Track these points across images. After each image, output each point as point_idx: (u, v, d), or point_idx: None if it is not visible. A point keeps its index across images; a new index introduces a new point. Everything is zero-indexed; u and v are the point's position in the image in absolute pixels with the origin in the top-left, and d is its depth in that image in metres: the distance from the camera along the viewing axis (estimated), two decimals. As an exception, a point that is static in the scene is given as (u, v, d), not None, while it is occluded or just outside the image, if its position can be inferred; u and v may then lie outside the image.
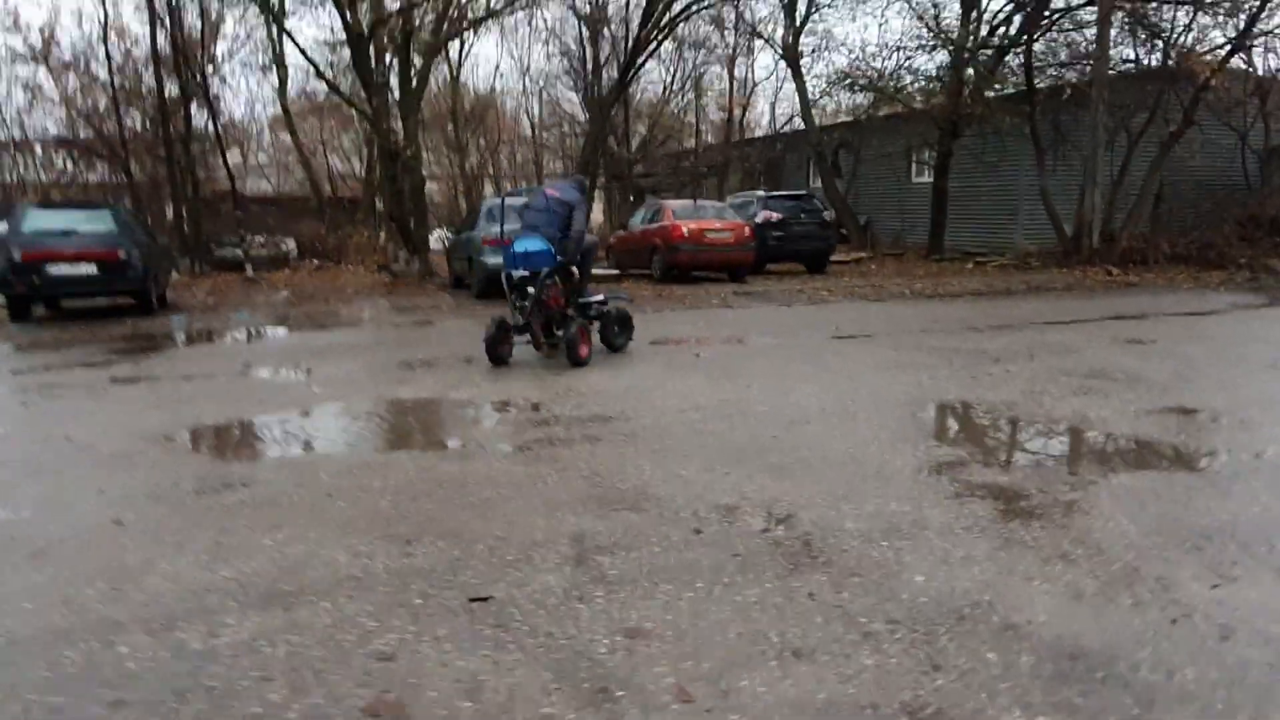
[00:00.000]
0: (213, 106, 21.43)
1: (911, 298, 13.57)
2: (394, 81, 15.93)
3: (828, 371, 7.30)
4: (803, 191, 19.85)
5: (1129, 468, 4.57)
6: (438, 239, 23.14)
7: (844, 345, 8.77)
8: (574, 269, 7.99)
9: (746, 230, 15.73)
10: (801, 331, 9.76)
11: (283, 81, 26.18)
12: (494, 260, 12.83)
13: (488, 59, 75.10)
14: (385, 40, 15.34)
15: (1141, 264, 16.82)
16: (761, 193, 19.03)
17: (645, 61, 19.02)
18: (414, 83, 16.48)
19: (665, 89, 34.07)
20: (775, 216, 17.50)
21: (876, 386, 6.67)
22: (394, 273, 17.13)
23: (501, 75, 67.43)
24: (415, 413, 6.42)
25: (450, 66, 29.01)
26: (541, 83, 38.09)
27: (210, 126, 22.73)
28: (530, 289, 7.71)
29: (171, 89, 21.98)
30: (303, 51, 16.40)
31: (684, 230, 15.33)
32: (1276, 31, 17.70)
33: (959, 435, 5.40)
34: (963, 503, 4.05)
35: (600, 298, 8.49)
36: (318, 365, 8.24)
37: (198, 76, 21.75)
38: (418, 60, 17.47)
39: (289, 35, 16.45)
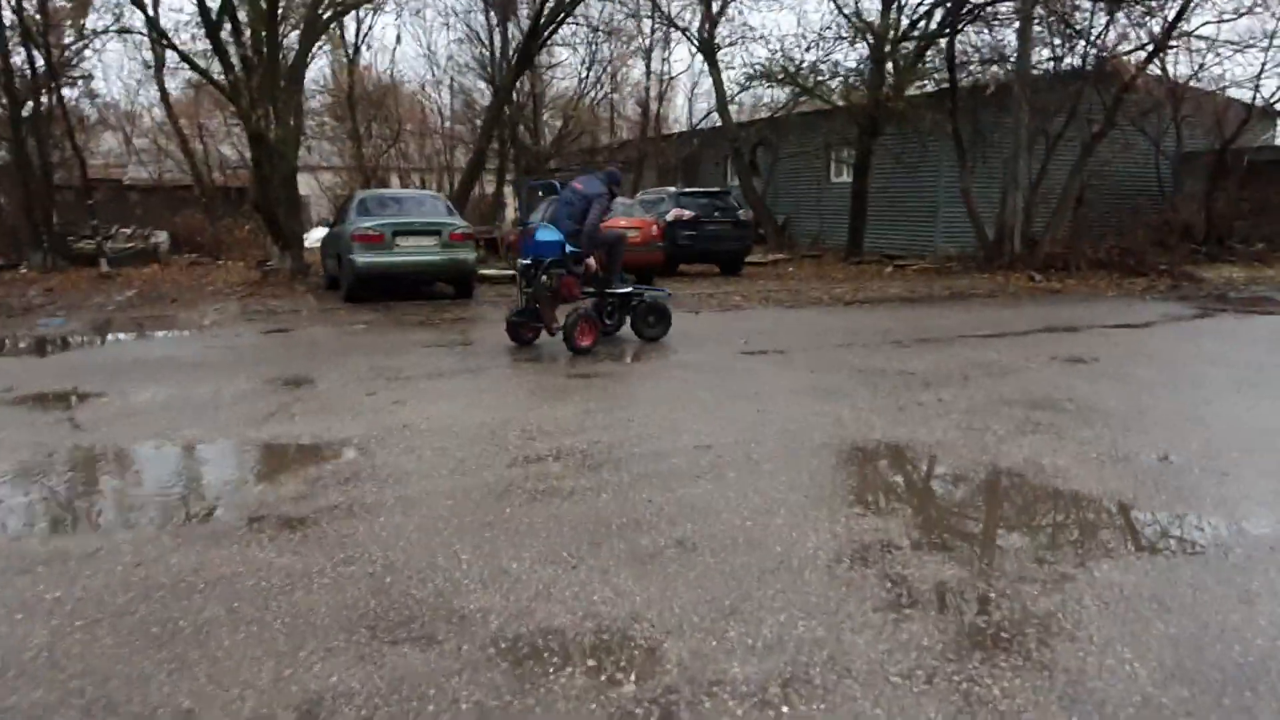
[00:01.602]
0: (55, 81, 18.99)
1: (830, 304, 12.53)
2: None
3: (731, 399, 6.07)
4: (717, 189, 18.72)
5: (1112, 553, 3.43)
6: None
7: (754, 363, 7.58)
8: (591, 260, 8.20)
9: (654, 229, 14.48)
10: (707, 345, 8.54)
11: (159, 58, 23.90)
12: (365, 258, 11.30)
13: (394, 44, 72.29)
14: (250, 12, 13.59)
15: (1063, 269, 16.19)
16: (673, 189, 17.82)
17: (548, 38, 17.59)
18: (286, 60, 14.74)
19: (581, 81, 32.70)
20: (687, 215, 16.30)
21: (788, 421, 5.46)
22: (266, 271, 15.35)
23: (395, 62, 64.70)
24: (183, 464, 4.93)
25: (345, 48, 27.07)
26: (451, 72, 36.24)
27: (67, 105, 20.35)
28: (544, 277, 8.00)
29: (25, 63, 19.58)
30: (147, 15, 14.46)
31: (586, 228, 13.99)
32: (1195, 34, 17.35)
33: (890, 497, 4.21)
34: (899, 621, 2.83)
35: (629, 289, 8.68)
36: (109, 390, 6.63)
37: (53, 51, 19.40)
38: (294, 36, 15.73)
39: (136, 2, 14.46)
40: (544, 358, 7.88)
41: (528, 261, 8.19)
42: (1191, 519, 3.80)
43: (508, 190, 31.59)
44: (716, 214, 16.67)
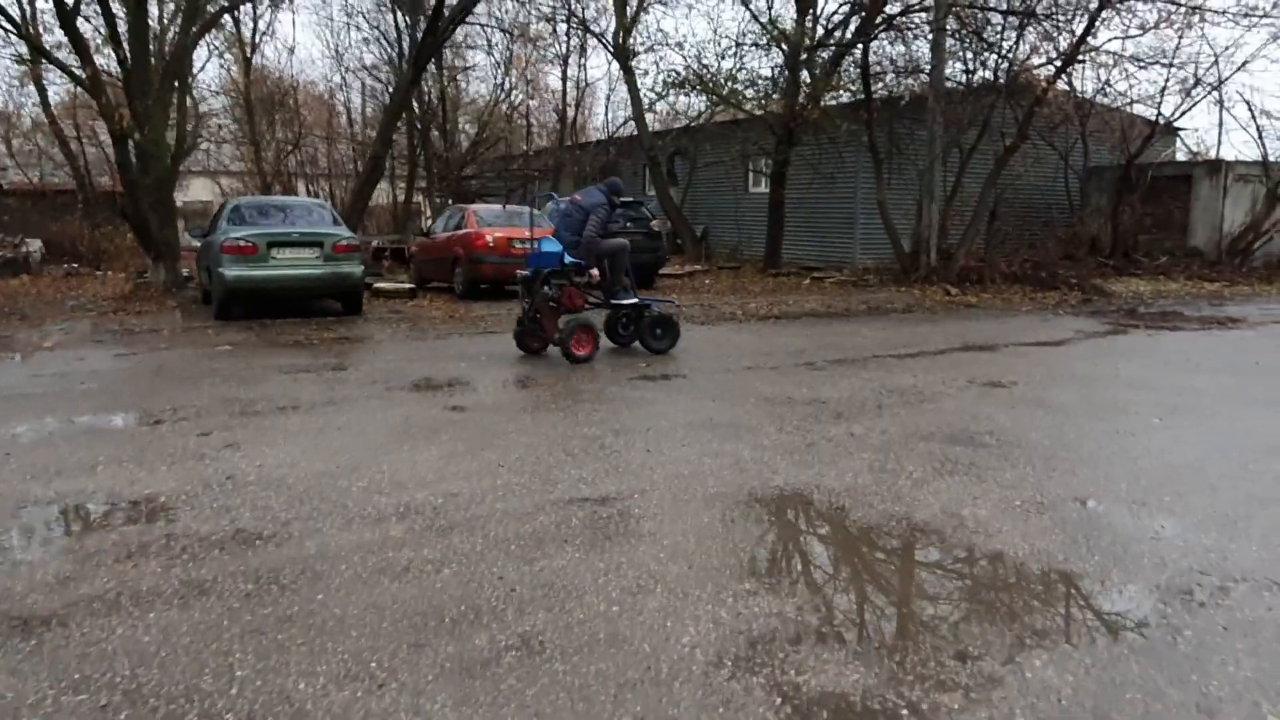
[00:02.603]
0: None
1: (744, 320, 12.00)
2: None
3: (620, 437, 5.39)
4: (629, 198, 18.09)
5: (1045, 641, 2.86)
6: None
7: (653, 391, 6.93)
8: (594, 271, 8.21)
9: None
10: (604, 369, 7.86)
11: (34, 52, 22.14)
12: (236, 272, 10.29)
13: (301, 43, 69.68)
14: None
15: (978, 283, 16.06)
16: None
17: (446, 37, 16.65)
18: (161, 57, 13.55)
19: (497, 87, 31.77)
20: (598, 225, 15.63)
21: (680, 464, 4.80)
22: (139, 284, 14.08)
23: (293, 61, 62.06)
24: (-47, 527, 4.00)
25: (243, 45, 25.55)
26: (360, 74, 34.81)
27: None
28: (544, 288, 8.10)
29: None
30: None
31: (488, 239, 13.18)
32: (1102, 49, 17.49)
33: (787, 567, 3.58)
34: (787, 765, 2.18)
35: (634, 300, 8.58)
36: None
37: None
38: (173, 32, 14.52)
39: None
40: (429, 386, 7.08)
41: (526, 273, 8.33)
42: (1131, 590, 3.26)
43: (422, 198, 30.51)
44: (628, 225, 16.03)
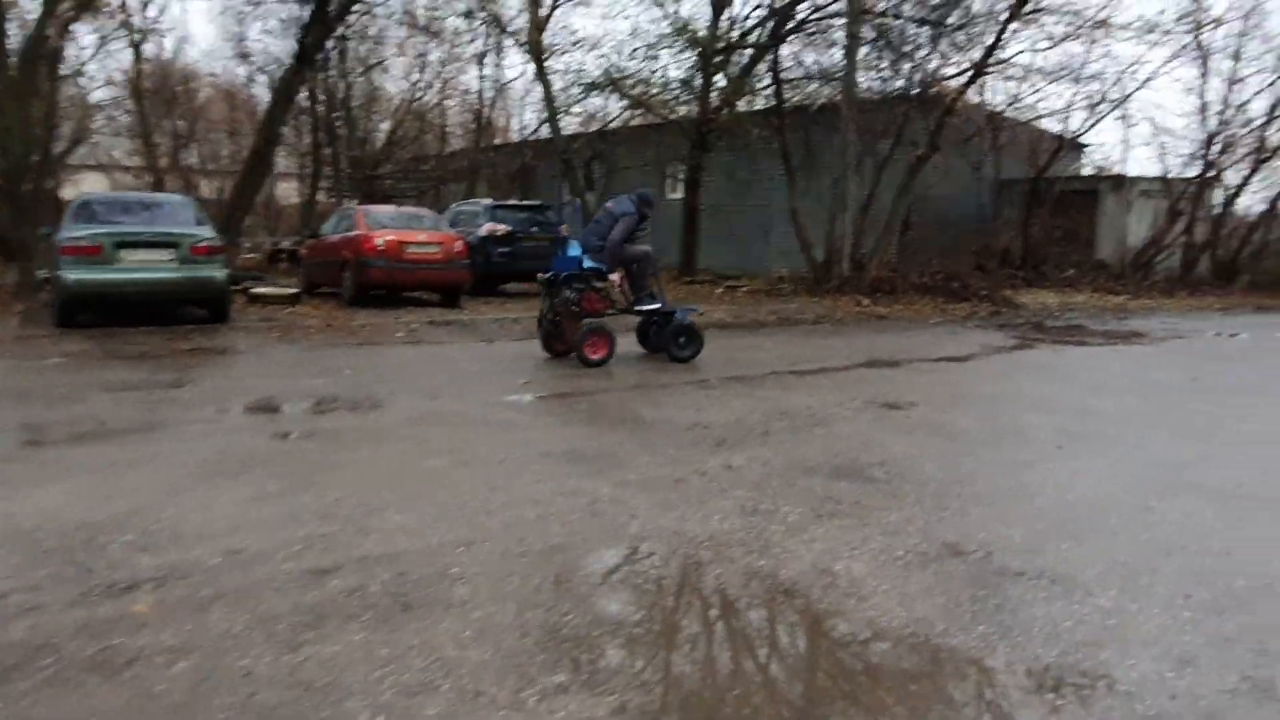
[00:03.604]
0: None
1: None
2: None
3: (466, 469, 4.72)
4: (537, 202, 17.42)
5: (910, 757, 2.30)
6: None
7: (521, 413, 6.28)
8: (615, 276, 8.34)
9: (458, 245, 12.97)
10: (476, 385, 7.18)
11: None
12: (77, 275, 9.27)
13: (203, 34, 66.66)
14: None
15: (890, 293, 15.86)
16: (489, 202, 16.38)
17: (334, 28, 15.74)
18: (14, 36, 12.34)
19: (412, 85, 30.68)
20: (502, 229, 14.90)
21: (526, 506, 4.16)
22: (-10, 285, 12.79)
23: (192, 48, 58.91)
24: None
25: (133, 33, 23.99)
26: (270, 68, 33.30)
27: None
28: (566, 292, 8.24)
29: None
30: None
31: (378, 242, 12.32)
32: (1011, 62, 17.53)
33: (612, 653, 2.96)
34: None
35: (657, 306, 8.60)
36: None
37: None
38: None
39: None
40: (268, 408, 6.29)
41: (547, 276, 8.51)
42: (1017, 675, 2.74)
43: (332, 198, 29.21)
44: (534, 229, 15.36)
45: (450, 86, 31.59)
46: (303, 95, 25.23)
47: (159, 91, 26.16)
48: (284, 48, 26.84)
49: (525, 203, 17.15)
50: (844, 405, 6.65)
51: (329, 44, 20.56)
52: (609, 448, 5.25)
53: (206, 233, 9.94)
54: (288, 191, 37.70)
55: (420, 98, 31.10)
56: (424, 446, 5.18)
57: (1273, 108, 20.46)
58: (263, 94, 31.20)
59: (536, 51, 21.46)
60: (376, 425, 5.76)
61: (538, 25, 21.47)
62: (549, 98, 22.05)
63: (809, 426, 5.90)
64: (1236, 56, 20.83)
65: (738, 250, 21.28)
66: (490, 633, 2.89)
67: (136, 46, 23.54)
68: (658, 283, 8.74)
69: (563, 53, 24.57)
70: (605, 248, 8.23)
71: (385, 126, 30.75)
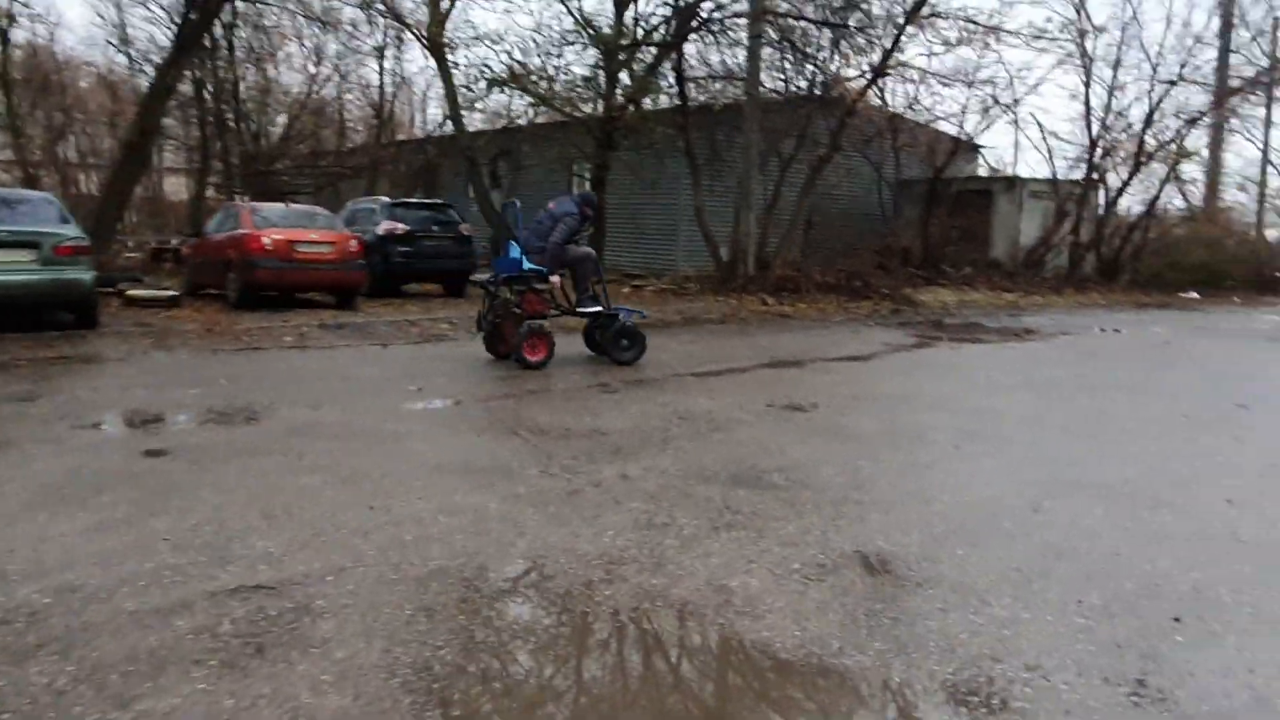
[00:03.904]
0: None
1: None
2: None
3: (346, 485, 4.41)
4: (439, 200, 16.95)
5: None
6: None
7: (411, 423, 5.97)
8: (555, 278, 8.30)
9: (353, 244, 12.45)
10: (365, 393, 6.81)
11: None
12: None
13: (83, 20, 62.98)
14: None
15: (795, 292, 16.00)
16: (387, 200, 15.82)
17: (215, 14, 14.95)
18: None
19: (311, 78, 29.55)
20: (401, 228, 14.40)
21: (407, 525, 3.88)
22: None
23: (68, 34, 55.53)
24: None
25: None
26: (151, 55, 31.55)
27: None
28: (506, 294, 8.30)
29: None
30: None
31: (265, 242, 11.71)
32: (909, 64, 17.95)
33: (491, 687, 2.73)
34: None
35: (598, 309, 8.51)
36: None
37: None
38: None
39: None
40: (130, 423, 5.80)
41: (485, 278, 8.60)
42: (916, 689, 2.63)
43: (222, 194, 27.89)
44: (435, 228, 14.92)
45: (349, 80, 30.64)
46: (190, 87, 24.08)
47: (30, 80, 24.45)
48: (168, 35, 25.46)
49: (425, 200, 16.66)
50: (745, 408, 6.55)
51: (216, 32, 19.57)
52: (501, 459, 5.01)
53: (71, 231, 9.22)
54: (177, 187, 35.92)
55: (318, 91, 30.06)
56: (300, 462, 4.83)
57: (1149, 114, 21.54)
58: (147, 85, 29.59)
59: (436, 46, 20.90)
60: (248, 439, 5.36)
61: (437, 19, 20.91)
62: (450, 94, 21.52)
63: (709, 432, 5.78)
64: (1116, 65, 21.87)
65: (645, 249, 21.20)
66: (353, 675, 2.63)
67: (3, 32, 21.91)
68: (601, 285, 8.67)
69: (465, 47, 24.05)
70: (545, 249, 8.15)
71: (282, 120, 29.60)
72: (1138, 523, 4.21)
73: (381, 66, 29.26)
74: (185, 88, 25.66)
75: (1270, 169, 26.49)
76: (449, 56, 21.05)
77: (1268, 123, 25.40)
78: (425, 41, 21.79)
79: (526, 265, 8.14)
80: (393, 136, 29.82)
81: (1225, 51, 23.04)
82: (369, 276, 13.76)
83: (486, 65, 17.75)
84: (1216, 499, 4.63)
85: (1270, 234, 27.88)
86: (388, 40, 28.45)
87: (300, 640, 2.84)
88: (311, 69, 28.95)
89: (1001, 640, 2.97)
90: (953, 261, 22.08)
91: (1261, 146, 26.13)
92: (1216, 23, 22.64)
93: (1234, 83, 22.47)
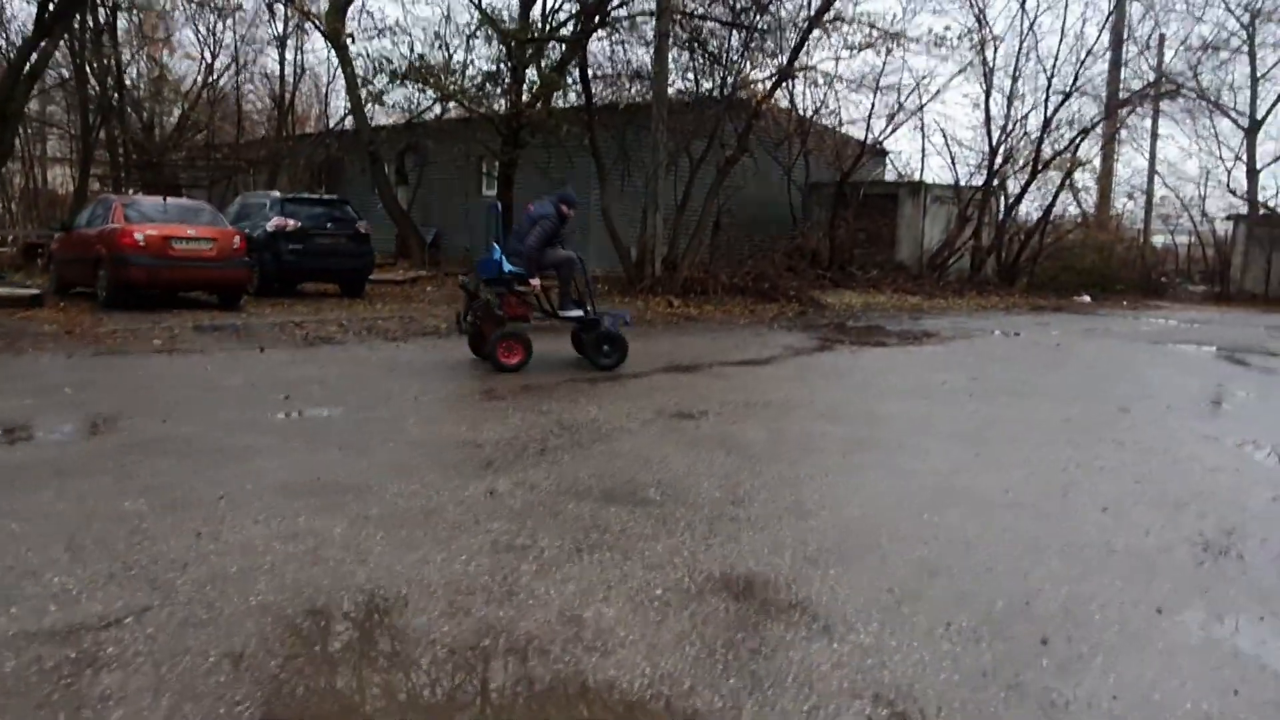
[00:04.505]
0: None
1: (443, 335, 10.78)
2: None
3: (175, 510, 3.99)
4: (334, 196, 16.27)
5: None
6: None
7: (269, 436, 5.54)
8: (535, 282, 8.20)
9: (236, 241, 11.77)
10: (227, 402, 6.33)
11: None
12: None
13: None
14: None
15: (702, 294, 15.90)
16: (277, 194, 15.08)
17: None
18: None
19: (207, 68, 28.16)
20: (292, 224, 13.72)
21: (235, 555, 3.51)
22: None
23: None
24: None
25: None
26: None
27: None
28: (486, 296, 8.18)
29: None
30: None
31: (137, 237, 10.96)
32: (815, 68, 18.07)
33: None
34: None
35: (579, 313, 8.42)
36: None
37: None
38: None
39: None
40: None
41: (464, 279, 8.61)
42: (762, 740, 2.42)
43: (105, 186, 26.35)
44: (329, 225, 14.28)
45: (248, 70, 29.38)
46: (71, 71, 22.66)
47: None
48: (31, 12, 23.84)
49: (320, 196, 15.98)
50: (633, 416, 6.32)
51: (88, 14, 18.42)
52: (359, 475, 4.64)
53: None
54: (65, 179, 33.93)
55: (215, 81, 28.71)
56: (128, 483, 4.37)
57: (1045, 123, 22.22)
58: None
59: (337, 37, 20.15)
60: (75, 458, 4.86)
61: (336, 8, 20.17)
62: (352, 86, 20.78)
63: (590, 442, 5.52)
64: (1015, 75, 22.51)
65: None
66: (120, 744, 2.27)
67: None
68: (588, 288, 8.63)
69: (368, 38, 23.26)
70: (523, 252, 8.10)
71: (178, 110, 28.17)
72: (1014, 534, 4.13)
73: (282, 57, 28.13)
74: (67, 72, 24.27)
75: (1156, 178, 27.75)
76: (350, 48, 20.37)
77: (1154, 134, 26.60)
78: (324, 32, 21.02)
79: (506, 267, 8.05)
80: (294, 130, 28.72)
81: (1116, 65, 23.99)
82: (257, 275, 13.10)
83: (386, 58, 17.05)
84: (1093, 507, 4.60)
85: (1156, 240, 29.21)
86: (289, 29, 27.37)
87: (72, 699, 2.46)
88: (208, 57, 27.62)
89: (863, 673, 2.79)
90: (860, 264, 22.38)
91: (1148, 156, 27.37)
92: (1107, 37, 23.50)
93: (1123, 95, 23.40)
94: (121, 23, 24.33)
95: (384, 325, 10.99)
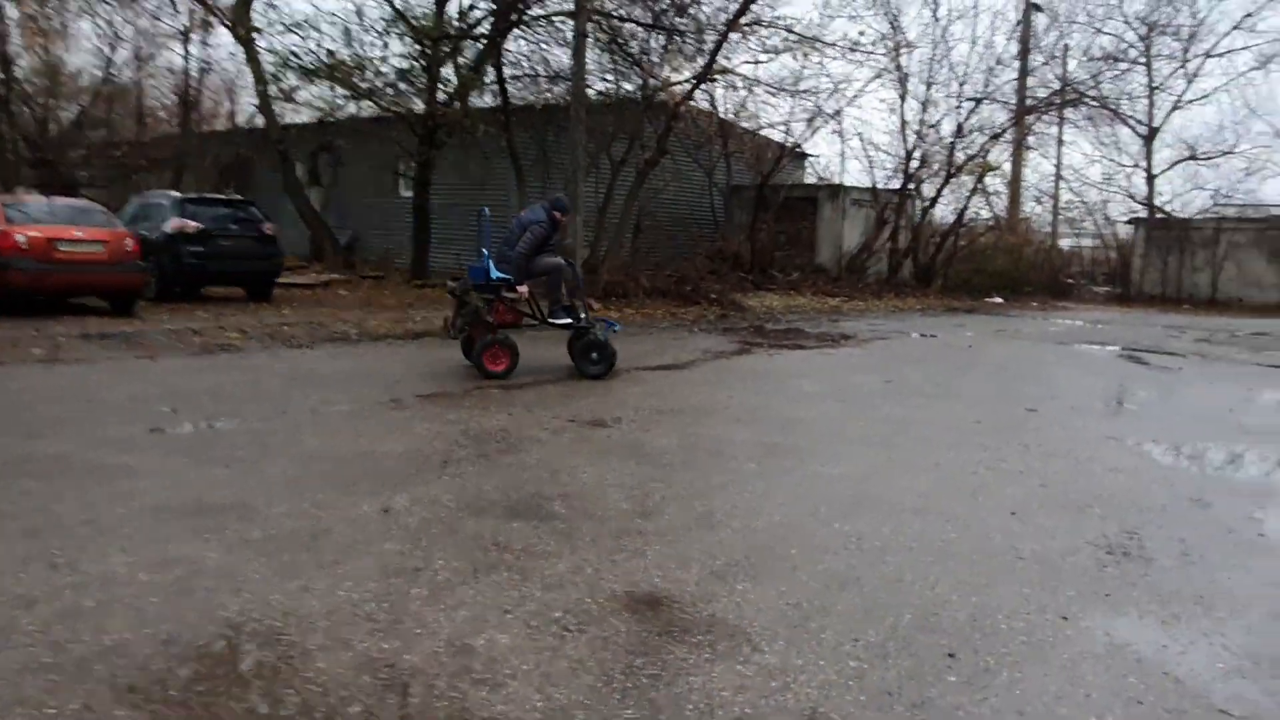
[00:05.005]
0: None
1: (356, 341, 10.40)
2: None
3: (32, 539, 3.64)
4: (238, 197, 15.60)
5: None
6: None
7: (149, 455, 5.18)
8: (523, 288, 8.18)
9: (129, 243, 11.14)
10: (105, 418, 5.91)
11: None
12: None
13: None
14: None
15: (624, 297, 15.76)
16: (177, 194, 14.36)
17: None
18: None
19: (106, 61, 26.81)
20: (192, 226, 13.07)
21: (93, 589, 3.20)
22: None
23: None
24: None
25: None
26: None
27: None
28: (474, 303, 8.02)
29: None
30: None
31: (18, 239, 10.25)
32: (735, 71, 18.11)
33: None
34: None
35: (568, 321, 8.40)
36: None
37: None
38: None
39: None
40: None
41: (452, 285, 8.59)
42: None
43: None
44: (233, 226, 13.65)
45: (150, 64, 28.12)
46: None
47: None
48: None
49: (223, 196, 15.29)
50: (544, 425, 6.12)
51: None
52: (243, 494, 4.34)
53: None
54: (-52, 177, 31.94)
55: (114, 75, 27.37)
56: (-16, 508, 4.00)
57: (958, 129, 22.79)
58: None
59: (242, 31, 19.38)
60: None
61: (243, 1, 19.40)
62: (259, 82, 20.01)
63: (497, 453, 5.31)
64: (929, 82, 23.02)
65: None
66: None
67: None
68: (580, 295, 8.62)
69: (276, 33, 22.41)
70: (511, 259, 8.06)
71: (76, 107, 26.76)
72: (924, 542, 4.08)
73: (187, 51, 27.02)
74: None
75: (1062, 183, 28.75)
76: (257, 42, 19.61)
77: (1060, 140, 27.52)
78: (228, 25, 20.21)
79: (494, 274, 8.05)
80: (200, 127, 27.60)
81: (1023, 73, 24.74)
82: (154, 279, 12.44)
83: (294, 54, 16.44)
84: (1001, 511, 4.60)
85: (1063, 243, 30.28)
86: (193, 22, 26.26)
87: (-125, 767, 2.16)
88: (107, 51, 26.31)
89: (766, 696, 2.66)
90: (780, 266, 22.56)
91: (1055, 162, 28.35)
92: (1015, 47, 24.21)
93: (1030, 102, 24.15)
94: (12, 12, 23.04)
95: (289, 331, 10.53)
